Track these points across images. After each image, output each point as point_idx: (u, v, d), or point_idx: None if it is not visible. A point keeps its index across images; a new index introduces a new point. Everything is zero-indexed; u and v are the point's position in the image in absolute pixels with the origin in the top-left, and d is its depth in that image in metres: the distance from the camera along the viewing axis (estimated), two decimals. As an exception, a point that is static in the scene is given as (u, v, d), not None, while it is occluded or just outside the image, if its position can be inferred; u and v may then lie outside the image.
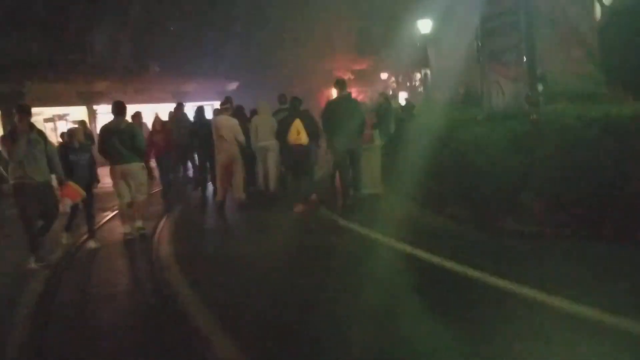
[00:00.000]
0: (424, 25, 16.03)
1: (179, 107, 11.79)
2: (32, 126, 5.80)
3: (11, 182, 5.79)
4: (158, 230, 7.53)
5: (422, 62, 16.38)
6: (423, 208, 6.99)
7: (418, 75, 33.64)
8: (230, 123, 8.78)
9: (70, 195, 6.25)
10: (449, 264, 4.60)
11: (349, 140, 7.81)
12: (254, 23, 27.85)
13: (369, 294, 4.16)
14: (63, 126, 18.59)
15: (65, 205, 6.24)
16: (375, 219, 7.01)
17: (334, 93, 8.74)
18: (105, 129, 7.17)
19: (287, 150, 8.26)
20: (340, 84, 8.19)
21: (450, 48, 17.84)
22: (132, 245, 6.83)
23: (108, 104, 19.10)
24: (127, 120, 7.47)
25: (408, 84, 33.79)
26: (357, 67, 31.00)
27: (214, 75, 26.98)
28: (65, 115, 20.46)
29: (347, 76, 30.43)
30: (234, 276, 5.10)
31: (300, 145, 7.95)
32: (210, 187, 10.54)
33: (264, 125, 9.24)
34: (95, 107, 21.12)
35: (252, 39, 27.93)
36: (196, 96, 25.45)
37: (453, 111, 8.94)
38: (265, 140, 9.19)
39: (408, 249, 5.22)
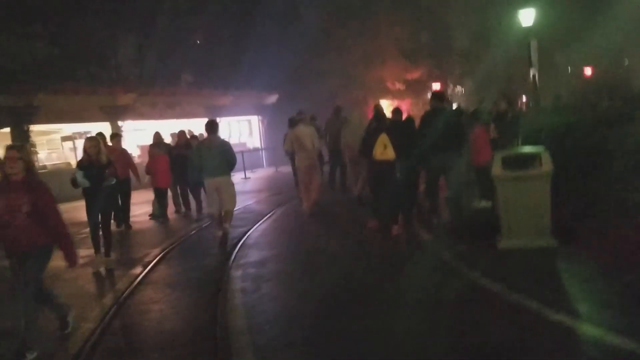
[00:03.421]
0: (527, 16, 12.80)
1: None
2: None
3: None
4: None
5: (527, 61, 13.14)
6: None
7: (458, 87, 30.73)
8: (310, 131, 9.59)
9: None
10: None
11: (444, 155, 7.48)
12: (294, 30, 24.83)
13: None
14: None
15: None
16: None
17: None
18: None
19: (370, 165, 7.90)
20: (437, 96, 8.23)
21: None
22: None
23: (134, 119, 16.19)
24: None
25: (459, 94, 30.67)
26: (410, 76, 27.54)
27: (251, 88, 23.97)
28: (86, 133, 17.67)
29: (398, 86, 27.33)
30: None
31: (387, 160, 7.43)
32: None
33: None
34: (120, 123, 18.22)
35: (291, 48, 24.89)
36: (232, 111, 22.64)
37: None
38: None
39: None
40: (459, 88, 30.37)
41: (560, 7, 21.32)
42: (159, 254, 7.58)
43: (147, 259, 7.34)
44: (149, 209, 10.73)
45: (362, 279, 5.66)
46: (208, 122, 8.07)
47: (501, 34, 22.70)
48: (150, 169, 10.38)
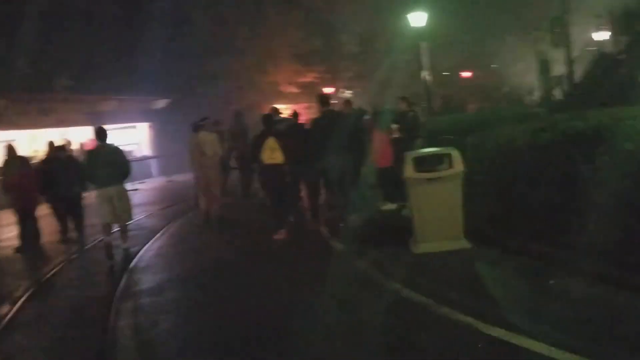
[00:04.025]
0: (417, 19, 13.00)
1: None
2: None
3: None
4: None
5: (419, 64, 13.42)
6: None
7: (346, 92, 31.48)
8: (212, 138, 9.43)
9: None
10: None
11: (342, 158, 7.42)
12: (184, 33, 23.63)
13: None
14: None
15: None
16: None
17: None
18: None
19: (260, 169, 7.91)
20: (324, 99, 8.07)
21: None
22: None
23: (3, 129, 14.17)
24: None
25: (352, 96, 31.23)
26: (303, 79, 27.47)
27: (138, 92, 22.33)
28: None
29: (291, 90, 27.16)
30: None
31: (276, 165, 7.45)
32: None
33: None
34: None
35: (181, 51, 23.64)
36: (117, 117, 20.97)
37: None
38: None
39: None
40: (350, 91, 30.87)
41: (441, 12, 22.33)
42: (30, 287, 6.44)
43: (16, 294, 6.16)
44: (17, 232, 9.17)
45: (275, 300, 5.08)
46: (98, 129, 7.56)
47: (390, 37, 23.29)
48: (10, 187, 8.71)
